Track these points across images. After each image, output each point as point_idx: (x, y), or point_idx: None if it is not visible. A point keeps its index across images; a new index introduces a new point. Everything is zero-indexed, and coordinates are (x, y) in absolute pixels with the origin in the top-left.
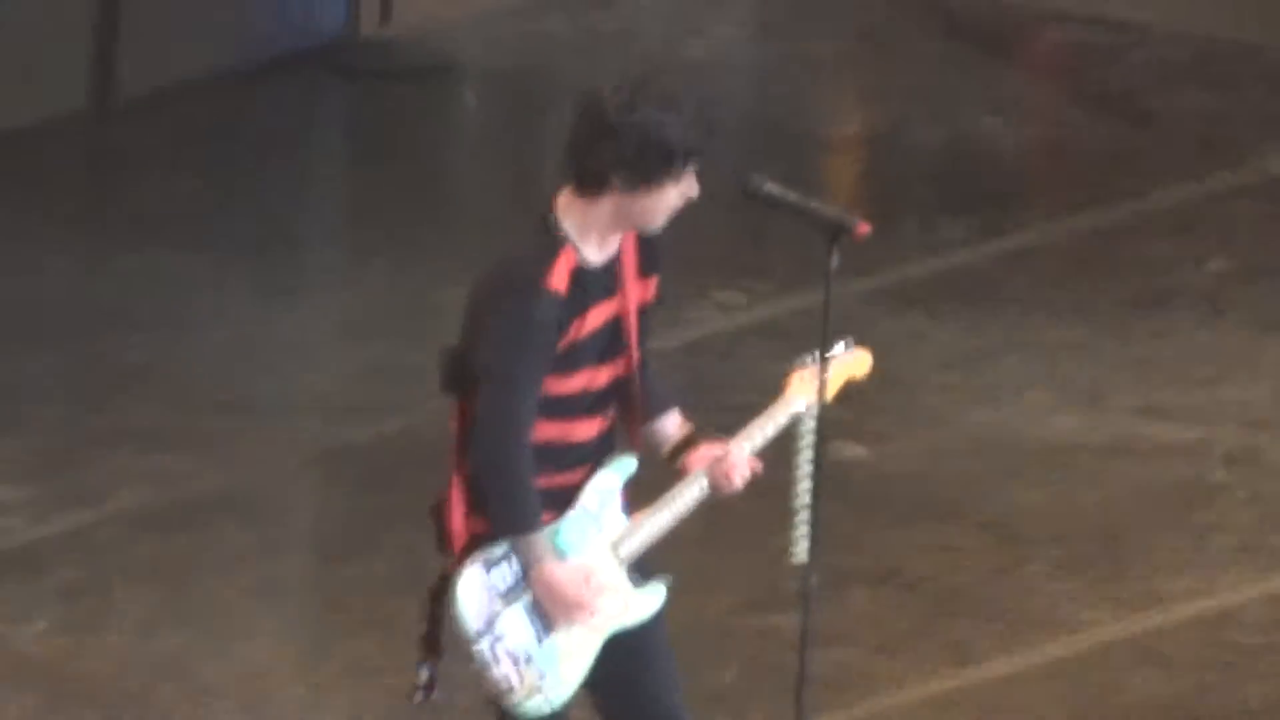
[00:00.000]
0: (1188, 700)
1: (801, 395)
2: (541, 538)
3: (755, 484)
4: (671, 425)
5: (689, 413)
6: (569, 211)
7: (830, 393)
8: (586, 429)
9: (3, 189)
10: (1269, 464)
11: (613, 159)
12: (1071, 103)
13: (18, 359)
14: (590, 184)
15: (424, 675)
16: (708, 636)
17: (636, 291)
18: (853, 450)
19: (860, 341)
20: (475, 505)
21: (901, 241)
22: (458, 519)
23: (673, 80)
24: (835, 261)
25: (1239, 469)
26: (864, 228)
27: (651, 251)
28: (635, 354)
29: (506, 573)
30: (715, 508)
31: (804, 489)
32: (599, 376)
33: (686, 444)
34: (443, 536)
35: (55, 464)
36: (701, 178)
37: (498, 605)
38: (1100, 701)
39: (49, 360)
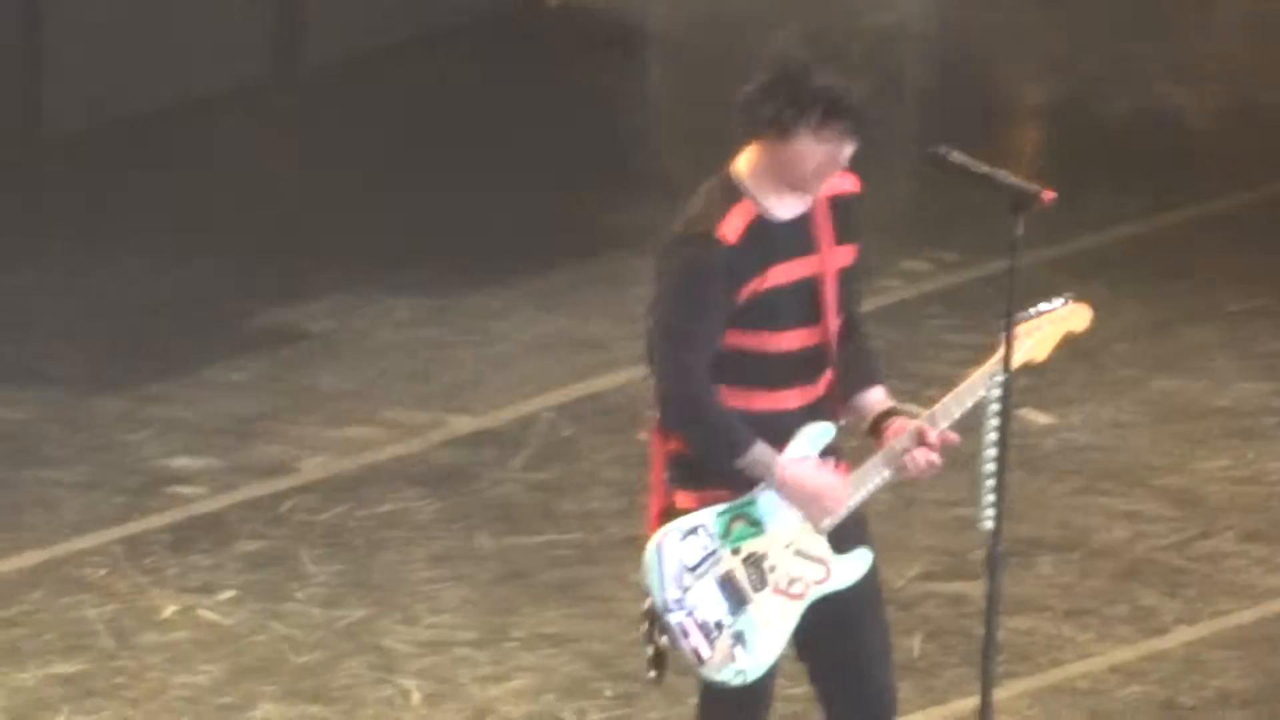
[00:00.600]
0: None
1: (1018, 355)
2: (763, 446)
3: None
4: (872, 399)
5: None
6: (746, 165)
7: (1047, 350)
8: (787, 398)
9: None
10: None
11: (759, 102)
12: (1258, 70)
13: (197, 329)
14: (748, 129)
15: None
16: (896, 605)
17: (833, 256)
18: (1039, 418)
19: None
20: (673, 468)
21: (1085, 211)
22: (656, 483)
23: (828, 54)
24: (1020, 230)
25: None
26: (1049, 195)
27: (847, 219)
28: (833, 321)
29: (697, 545)
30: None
31: (991, 456)
32: (794, 339)
33: (884, 419)
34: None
35: (242, 433)
36: (862, 151)
37: (689, 578)
38: None
39: (233, 329)
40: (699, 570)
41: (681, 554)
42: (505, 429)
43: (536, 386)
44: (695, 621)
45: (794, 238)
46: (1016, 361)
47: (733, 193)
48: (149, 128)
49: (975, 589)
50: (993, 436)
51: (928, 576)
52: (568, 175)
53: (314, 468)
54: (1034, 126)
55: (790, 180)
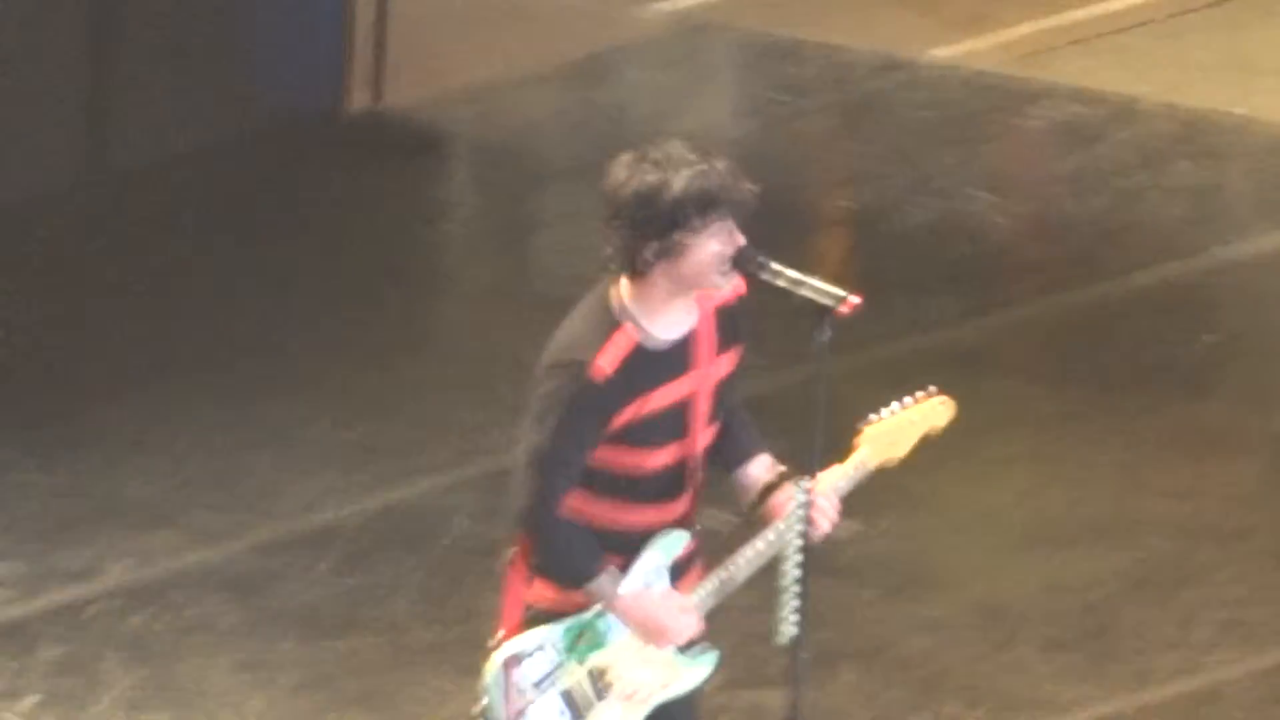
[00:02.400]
0: None
1: (875, 454)
2: (605, 578)
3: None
4: (758, 469)
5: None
6: (629, 292)
7: (907, 448)
8: (649, 514)
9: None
10: (1256, 540)
11: (633, 234)
12: (1059, 179)
13: (6, 434)
14: (632, 265)
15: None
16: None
17: (712, 369)
18: (840, 527)
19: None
20: (532, 577)
21: (889, 318)
22: (512, 594)
23: (669, 142)
24: (825, 336)
25: (1227, 545)
26: (853, 302)
27: (730, 322)
28: (701, 436)
29: (539, 664)
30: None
31: (793, 565)
32: (664, 456)
33: (768, 492)
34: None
35: (44, 540)
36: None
37: (528, 697)
38: None
39: (35, 435)
40: (542, 686)
41: (524, 673)
42: (308, 535)
43: (338, 494)
44: None
45: (673, 361)
46: (875, 461)
47: (611, 320)
48: None
49: (776, 698)
50: (795, 545)
51: (731, 684)
52: (368, 280)
53: (118, 573)
54: (838, 233)
55: (702, 286)
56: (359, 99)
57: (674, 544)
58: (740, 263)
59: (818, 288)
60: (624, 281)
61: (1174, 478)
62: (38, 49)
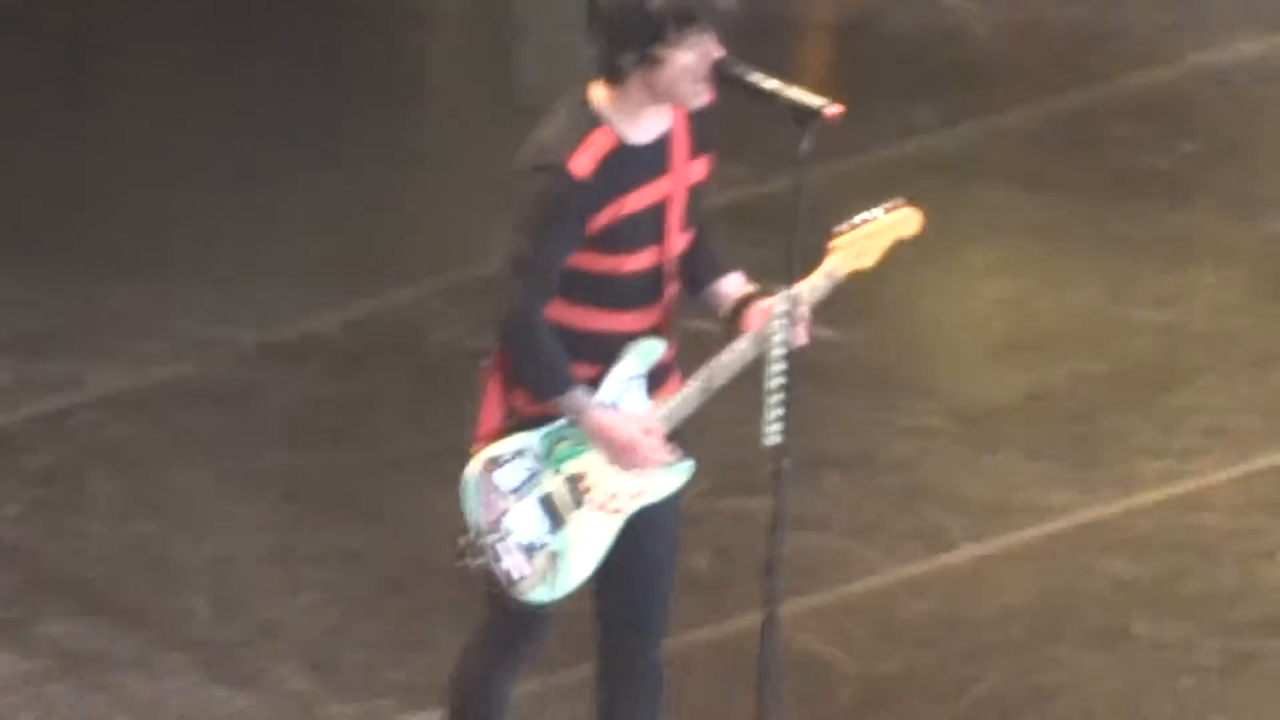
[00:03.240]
0: (1158, 583)
1: (845, 263)
2: (578, 392)
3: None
4: (730, 286)
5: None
6: (605, 95)
7: (875, 257)
8: (627, 320)
9: None
10: (1240, 347)
11: (612, 40)
12: None
13: None
14: (609, 70)
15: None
16: (682, 522)
17: (687, 173)
18: (824, 333)
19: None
20: (511, 384)
21: (872, 125)
22: (491, 400)
23: None
24: (807, 145)
25: (1210, 352)
26: (834, 110)
27: (703, 129)
28: (676, 240)
29: (520, 467)
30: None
31: (777, 370)
32: (641, 260)
33: (742, 305)
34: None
35: (27, 350)
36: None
37: (507, 502)
38: (1071, 585)
39: (20, 247)
40: (520, 491)
41: (502, 477)
42: (293, 345)
43: (323, 302)
44: (512, 543)
45: (650, 162)
46: (845, 270)
47: (589, 120)
48: None
49: (762, 504)
50: (779, 351)
51: (714, 492)
52: (353, 88)
53: (101, 383)
54: (820, 42)
55: (676, 99)
56: None
57: (650, 351)
58: (721, 72)
59: (799, 96)
60: (601, 85)
61: (1156, 285)
62: None
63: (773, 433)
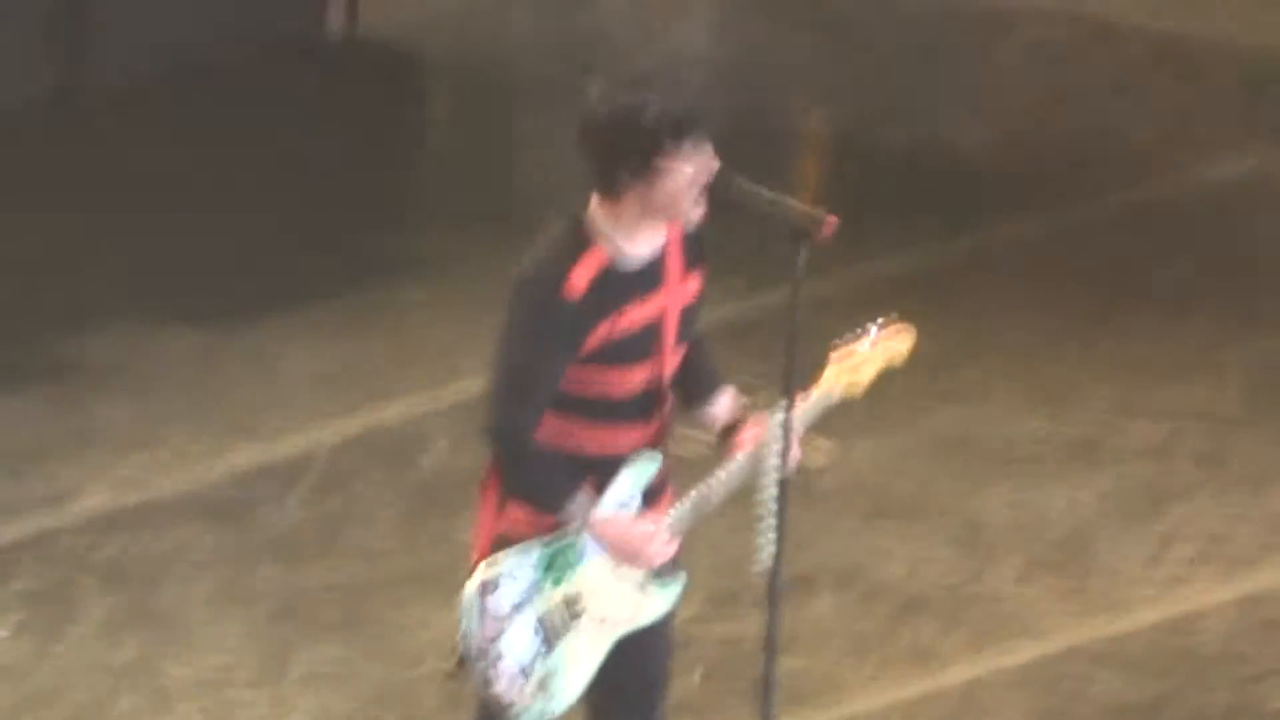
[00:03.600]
0: (1151, 705)
1: (839, 380)
2: (581, 498)
3: None
4: (721, 406)
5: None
6: (600, 211)
7: (870, 375)
8: (624, 437)
9: None
10: (1236, 465)
11: (608, 156)
12: (1036, 100)
13: None
14: (605, 186)
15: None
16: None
17: (681, 289)
18: (822, 445)
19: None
20: (504, 502)
21: (866, 240)
22: (485, 519)
23: (645, 63)
24: (803, 258)
25: (1206, 470)
26: (830, 223)
27: (694, 244)
28: (670, 356)
29: (512, 590)
30: None
31: (770, 494)
32: (636, 377)
33: (735, 426)
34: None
35: (15, 468)
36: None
37: (502, 624)
38: (1064, 706)
39: (4, 362)
40: (515, 613)
41: (497, 600)
42: (285, 462)
43: (316, 419)
44: (505, 667)
45: (645, 279)
46: (839, 392)
47: (583, 240)
48: None
49: (753, 627)
50: (773, 474)
51: (704, 615)
52: (344, 202)
53: (93, 501)
54: (816, 155)
55: (674, 213)
56: (336, 21)
57: (647, 468)
58: (717, 184)
59: (795, 208)
60: (596, 201)
61: (1152, 401)
62: None
63: (765, 557)
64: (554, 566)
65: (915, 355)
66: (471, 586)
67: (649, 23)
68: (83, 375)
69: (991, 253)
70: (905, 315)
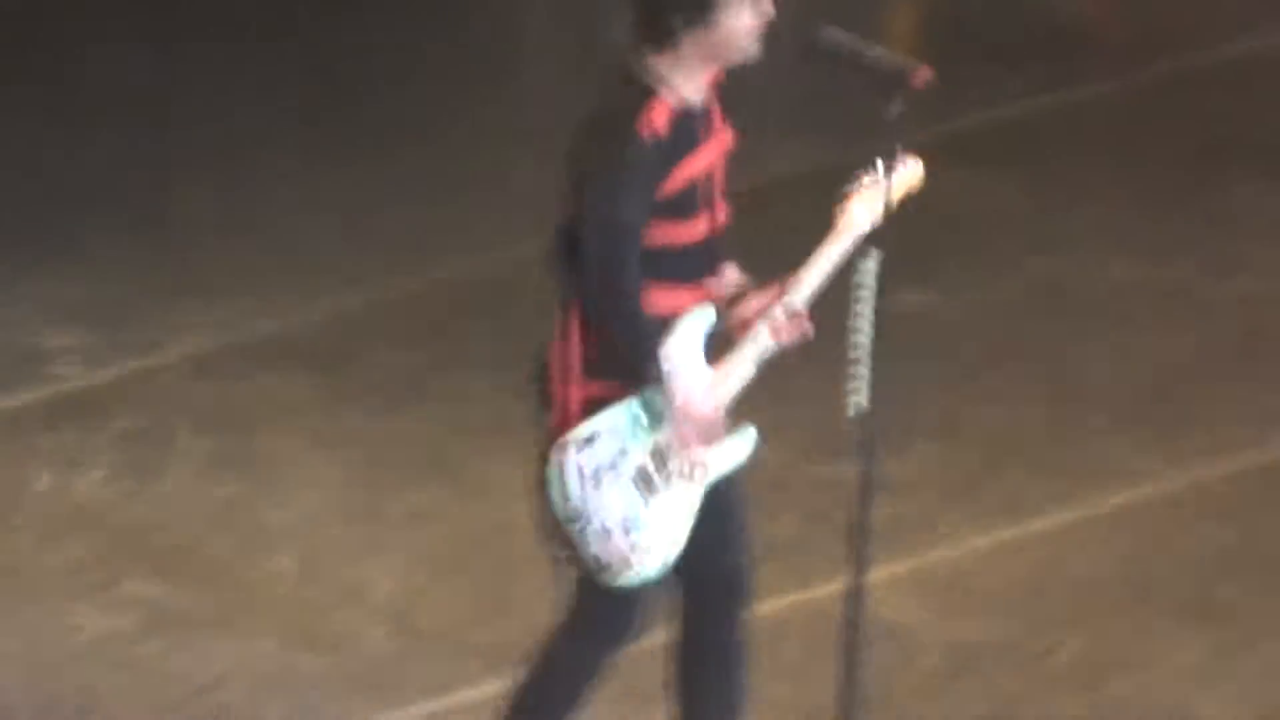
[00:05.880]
0: (1245, 547)
1: (864, 215)
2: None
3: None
4: (728, 278)
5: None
6: (661, 60)
7: (894, 199)
8: (691, 293)
9: None
10: None
11: (660, 4)
12: None
13: (79, 206)
14: (661, 35)
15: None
16: (769, 486)
17: (723, 136)
18: (915, 298)
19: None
20: (592, 366)
21: (964, 92)
22: (572, 385)
23: None
24: (897, 109)
25: None
26: (925, 75)
27: (724, 96)
28: (721, 206)
29: (600, 452)
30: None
31: (863, 336)
32: (699, 228)
33: (740, 297)
34: (545, 404)
35: (117, 308)
36: None
37: (590, 486)
38: (1157, 551)
39: (111, 209)
40: (608, 472)
41: (588, 459)
42: (379, 306)
43: (407, 265)
44: (599, 527)
45: (703, 124)
46: (868, 224)
47: (647, 89)
48: None
49: (846, 471)
50: (866, 316)
51: (798, 458)
52: (447, 56)
53: (189, 344)
54: (912, 7)
55: (731, 57)
56: None
57: (706, 319)
58: (811, 39)
59: (888, 58)
60: (651, 52)
61: (1247, 256)
62: None
63: (857, 400)
64: (645, 419)
65: (1010, 205)
66: (560, 450)
67: None
68: (185, 224)
69: (1088, 105)
70: (1002, 166)
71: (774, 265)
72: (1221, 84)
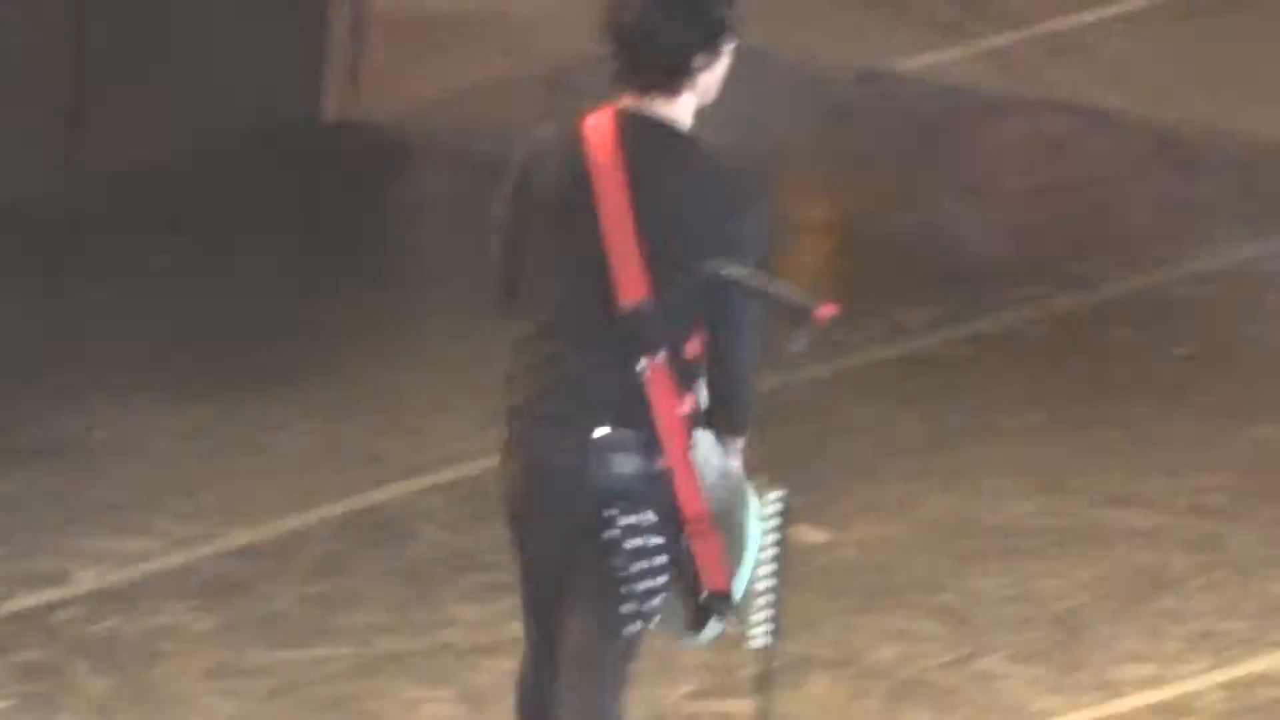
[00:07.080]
0: None
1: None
2: None
3: None
4: None
5: None
6: (677, 108)
7: None
8: None
9: None
10: (1227, 553)
11: (687, 41)
12: (1034, 189)
13: None
14: (681, 77)
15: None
16: None
17: None
18: (813, 535)
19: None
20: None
21: (864, 327)
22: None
23: None
24: (800, 344)
25: (1197, 558)
26: (829, 310)
27: None
28: None
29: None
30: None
31: (766, 572)
32: None
33: None
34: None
35: (10, 545)
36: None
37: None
38: None
39: (3, 438)
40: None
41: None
42: (278, 542)
43: (309, 499)
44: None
45: None
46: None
47: (689, 135)
48: None
49: (744, 707)
50: (769, 553)
51: (697, 695)
52: (340, 283)
53: (87, 579)
54: (815, 243)
55: (708, 99)
56: (333, 108)
57: None
58: (720, 274)
59: (792, 294)
60: (667, 102)
61: (1145, 489)
62: (18, 53)
63: (759, 635)
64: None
65: (912, 440)
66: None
67: None
68: (76, 454)
69: (988, 342)
70: (902, 401)
71: None
72: (1120, 318)
